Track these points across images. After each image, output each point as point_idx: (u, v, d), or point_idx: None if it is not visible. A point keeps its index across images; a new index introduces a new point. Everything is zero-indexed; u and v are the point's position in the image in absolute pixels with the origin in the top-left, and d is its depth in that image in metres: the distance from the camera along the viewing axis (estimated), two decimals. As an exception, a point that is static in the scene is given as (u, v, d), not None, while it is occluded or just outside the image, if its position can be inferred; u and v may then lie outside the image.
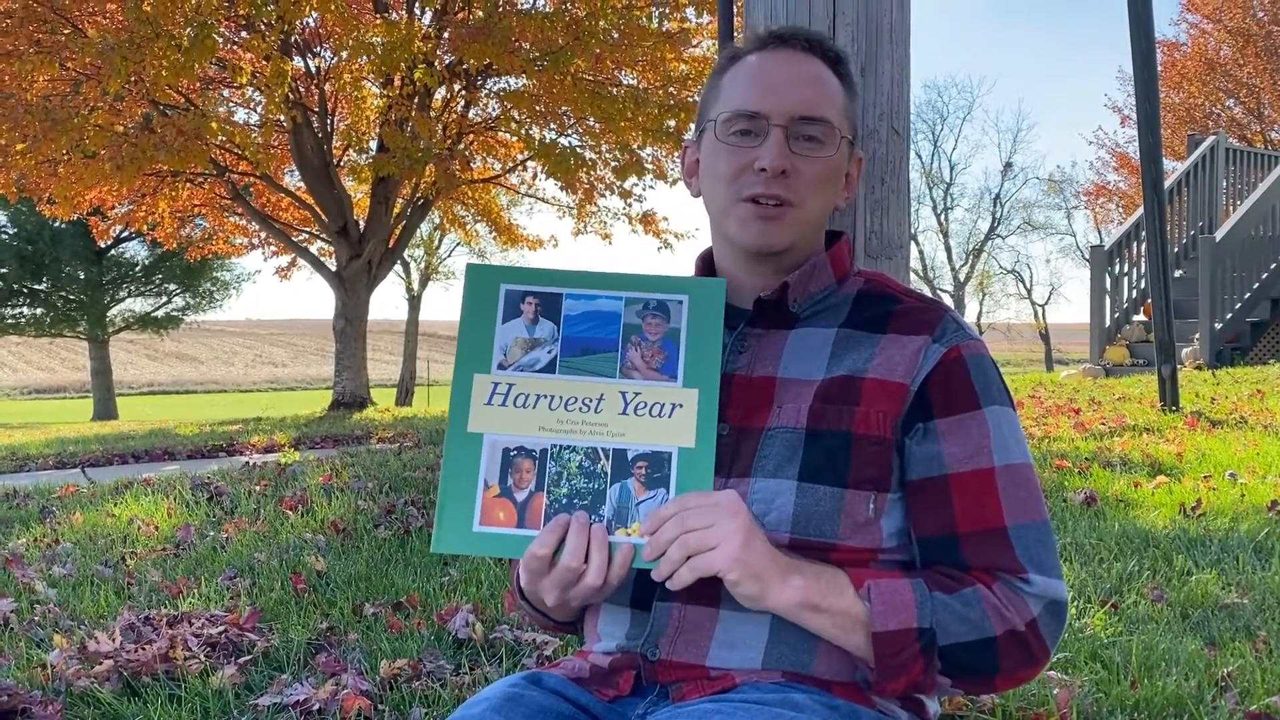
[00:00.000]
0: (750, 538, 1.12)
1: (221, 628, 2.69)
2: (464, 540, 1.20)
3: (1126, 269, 11.47)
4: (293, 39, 13.47)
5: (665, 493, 1.17)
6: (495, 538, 1.19)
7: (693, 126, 1.41)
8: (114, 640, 2.58)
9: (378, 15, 13.00)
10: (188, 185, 14.79)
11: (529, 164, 16.14)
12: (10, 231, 26.45)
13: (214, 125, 12.05)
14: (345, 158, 15.31)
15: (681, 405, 1.20)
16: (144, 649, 2.52)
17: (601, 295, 1.24)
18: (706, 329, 1.23)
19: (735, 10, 3.47)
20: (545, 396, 1.21)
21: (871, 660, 1.15)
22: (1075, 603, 2.82)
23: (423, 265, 33.75)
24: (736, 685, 1.19)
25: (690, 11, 12.96)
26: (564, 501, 1.18)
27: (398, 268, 30.20)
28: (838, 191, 1.34)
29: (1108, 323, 11.41)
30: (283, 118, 12.89)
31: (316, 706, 2.23)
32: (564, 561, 1.15)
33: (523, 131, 14.25)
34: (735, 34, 3.24)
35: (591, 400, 1.21)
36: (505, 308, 1.25)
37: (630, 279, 1.26)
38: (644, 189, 15.64)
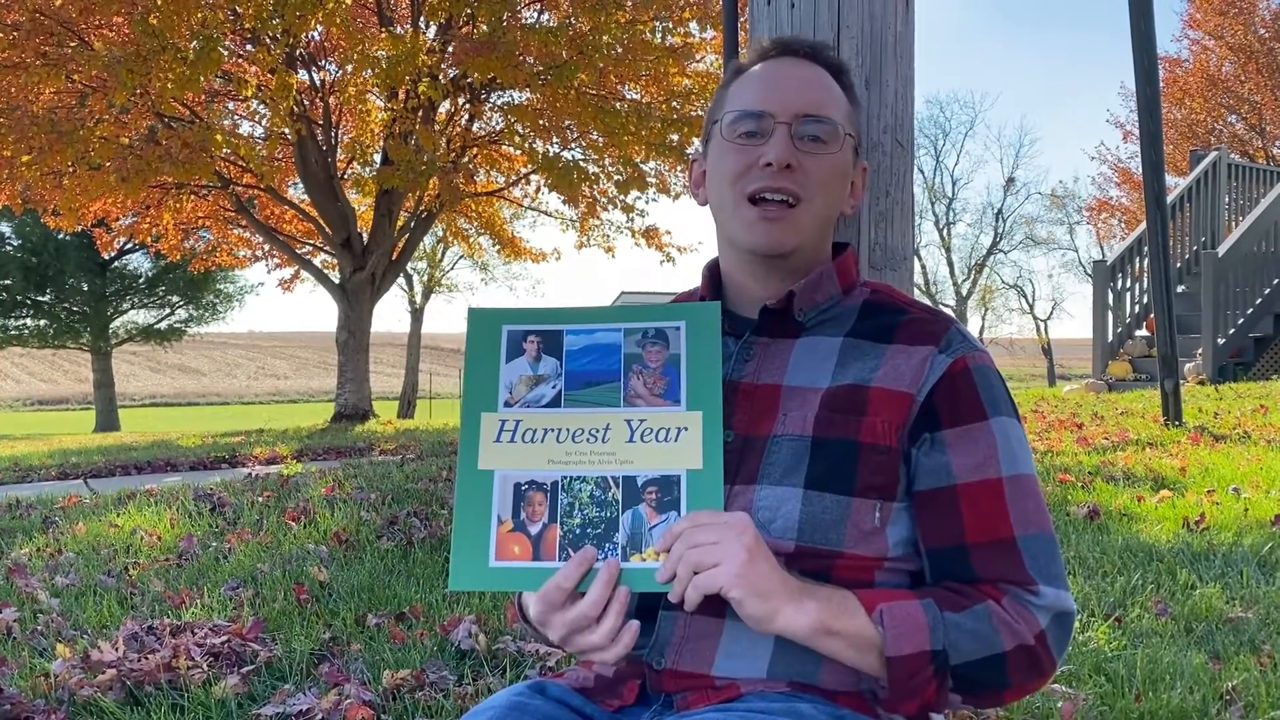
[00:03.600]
0: (755, 556, 1.11)
1: (224, 637, 2.69)
2: (480, 576, 1.19)
3: (1129, 284, 11.47)
4: (298, 52, 13.53)
5: (677, 515, 1.17)
6: (511, 572, 1.18)
7: (697, 142, 1.42)
8: (117, 650, 2.58)
9: (383, 29, 13.07)
10: (192, 197, 14.83)
11: (532, 177, 16.20)
12: (15, 243, 26.53)
13: (219, 138, 12.10)
14: (349, 170, 15.36)
15: (686, 428, 1.21)
16: (147, 658, 2.52)
17: (600, 329, 1.26)
18: (705, 352, 1.24)
19: (740, 25, 3.49)
20: (553, 430, 1.22)
21: (884, 680, 1.15)
22: (1079, 616, 2.81)
23: (425, 278, 33.84)
24: (742, 695, 1.19)
25: (694, 26, 13.02)
26: (577, 531, 1.18)
27: (400, 280, 30.28)
28: (843, 195, 1.35)
29: (1110, 338, 11.41)
30: (287, 131, 12.96)
31: (319, 716, 2.23)
32: (582, 608, 1.14)
33: (526, 145, 14.31)
34: (740, 48, 3.26)
35: (598, 430, 1.21)
36: (508, 348, 1.26)
37: (627, 311, 1.28)
38: (646, 203, 15.71)
